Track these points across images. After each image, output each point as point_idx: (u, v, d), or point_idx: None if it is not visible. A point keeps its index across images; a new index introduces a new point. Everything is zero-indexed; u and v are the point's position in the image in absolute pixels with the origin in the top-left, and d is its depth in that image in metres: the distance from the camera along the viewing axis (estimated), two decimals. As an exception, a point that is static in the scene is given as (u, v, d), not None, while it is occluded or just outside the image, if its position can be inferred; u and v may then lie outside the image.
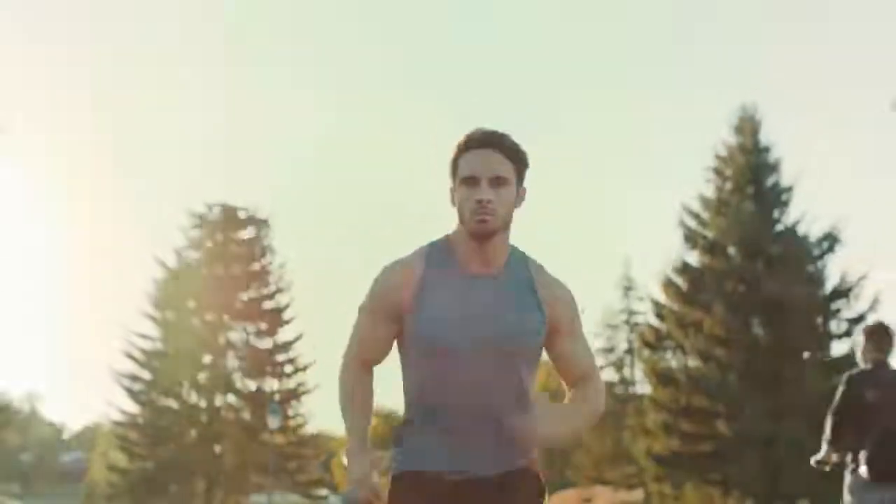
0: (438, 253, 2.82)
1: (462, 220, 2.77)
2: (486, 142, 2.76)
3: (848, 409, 5.85)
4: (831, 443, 5.90)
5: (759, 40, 66.78)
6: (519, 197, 2.81)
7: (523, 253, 2.87)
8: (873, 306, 28.00)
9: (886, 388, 5.79)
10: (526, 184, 2.84)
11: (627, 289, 40.12)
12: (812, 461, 6.06)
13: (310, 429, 38.47)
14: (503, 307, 2.76)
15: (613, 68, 74.13)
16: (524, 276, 2.81)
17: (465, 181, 2.74)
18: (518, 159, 2.79)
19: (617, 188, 67.32)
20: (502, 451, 2.79)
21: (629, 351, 39.57)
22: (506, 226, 2.78)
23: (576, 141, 70.48)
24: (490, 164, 2.73)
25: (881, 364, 5.92)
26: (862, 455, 5.78)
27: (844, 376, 5.99)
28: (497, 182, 2.73)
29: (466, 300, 2.76)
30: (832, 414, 5.91)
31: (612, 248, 69.94)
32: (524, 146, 2.82)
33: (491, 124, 2.84)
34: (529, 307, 2.77)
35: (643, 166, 68.63)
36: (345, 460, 2.82)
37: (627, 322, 40.05)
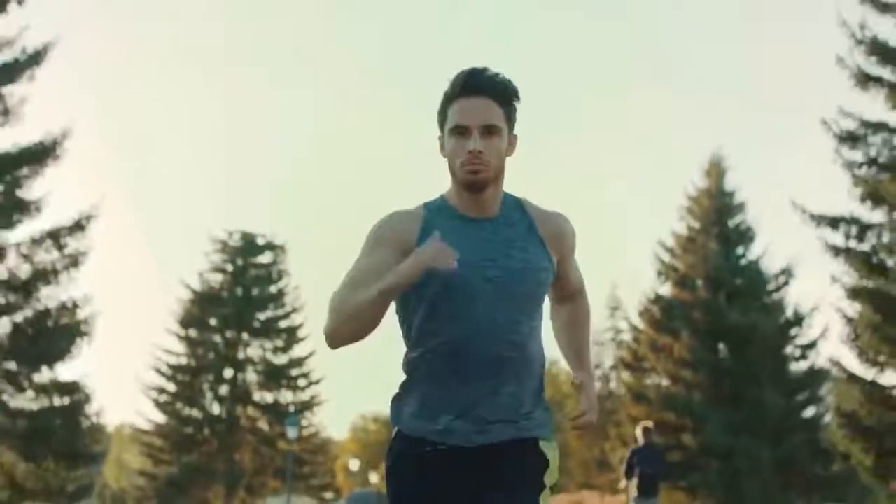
0: (433, 205, 2.85)
1: (452, 172, 2.76)
2: (476, 88, 2.73)
3: (629, 465, 12.53)
4: (626, 477, 12.55)
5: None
6: (511, 145, 2.80)
7: (516, 196, 2.89)
8: (823, 334, 33.22)
9: (644, 456, 12.55)
10: (518, 129, 2.82)
11: (614, 309, 45.11)
12: (619, 486, 12.40)
13: (320, 437, 43.81)
14: (508, 247, 2.77)
15: (619, 84, 79.34)
16: (521, 216, 2.82)
17: (454, 131, 2.73)
18: (509, 103, 2.77)
19: (606, 219, 72.52)
20: (514, 416, 2.78)
21: (615, 367, 44.75)
22: (498, 175, 2.77)
23: (576, 151, 75.71)
24: (481, 113, 2.71)
25: (646, 444, 12.61)
26: (634, 482, 12.40)
27: (630, 449, 12.71)
28: (488, 131, 2.71)
29: (471, 240, 2.76)
30: (625, 465, 12.58)
31: (601, 269, 74.35)
32: (514, 82, 2.78)
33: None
34: (534, 246, 2.81)
35: (632, 199, 74.19)
36: (391, 279, 2.63)
37: (614, 339, 45.20)
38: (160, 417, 40.09)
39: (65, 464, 21.46)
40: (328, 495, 45.82)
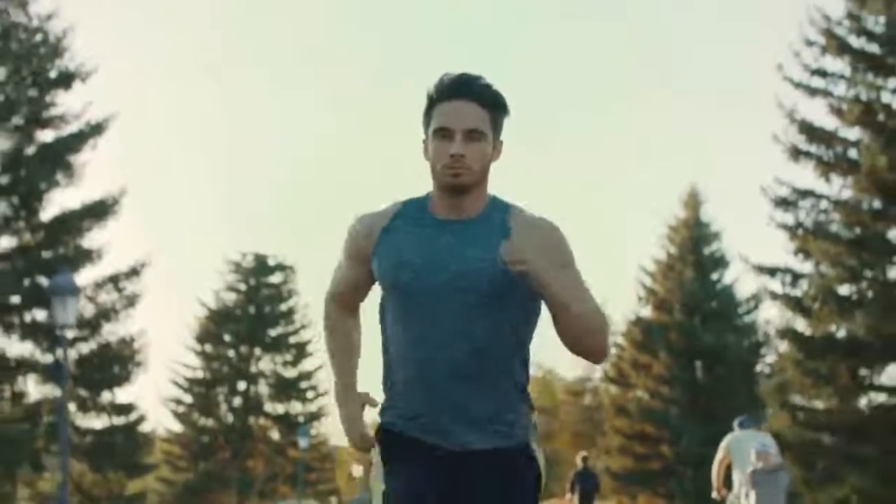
0: (412, 204, 2.90)
1: (434, 174, 2.81)
2: (460, 91, 2.77)
3: (572, 483, 17.52)
4: (570, 492, 17.50)
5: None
6: (496, 150, 2.84)
7: (505, 201, 2.88)
8: (790, 353, 37.87)
9: (582, 477, 17.63)
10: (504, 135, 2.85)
11: (603, 325, 49.62)
12: (565, 498, 17.03)
13: (328, 445, 48.09)
14: (464, 248, 2.77)
15: (614, 100, 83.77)
16: (498, 219, 2.82)
17: (437, 133, 2.77)
18: (494, 108, 2.81)
19: (596, 240, 76.69)
20: (482, 422, 2.78)
21: (602, 381, 49.33)
22: (481, 180, 2.81)
23: (574, 154, 79.88)
24: (464, 117, 2.75)
25: (584, 468, 17.69)
26: (577, 496, 17.33)
27: (573, 472, 17.64)
28: (472, 135, 2.75)
29: (428, 243, 2.80)
30: (569, 483, 17.55)
31: (599, 273, 78.24)
32: (501, 90, 2.82)
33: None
34: (497, 245, 2.73)
35: (622, 222, 78.60)
36: (335, 404, 2.89)
37: (603, 355, 49.71)
38: (178, 427, 44.10)
39: (124, 473, 26.66)
40: (334, 500, 50.07)
